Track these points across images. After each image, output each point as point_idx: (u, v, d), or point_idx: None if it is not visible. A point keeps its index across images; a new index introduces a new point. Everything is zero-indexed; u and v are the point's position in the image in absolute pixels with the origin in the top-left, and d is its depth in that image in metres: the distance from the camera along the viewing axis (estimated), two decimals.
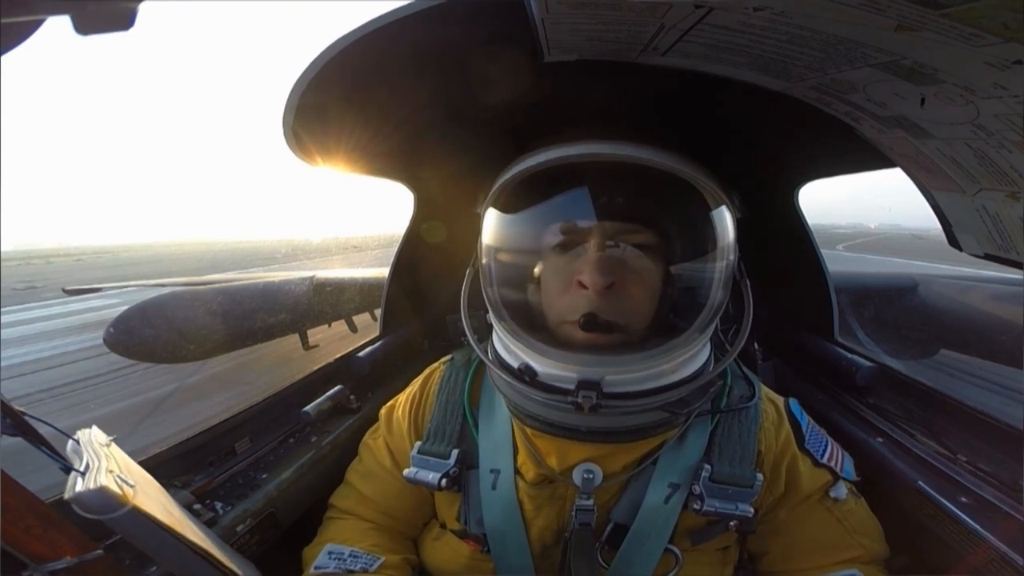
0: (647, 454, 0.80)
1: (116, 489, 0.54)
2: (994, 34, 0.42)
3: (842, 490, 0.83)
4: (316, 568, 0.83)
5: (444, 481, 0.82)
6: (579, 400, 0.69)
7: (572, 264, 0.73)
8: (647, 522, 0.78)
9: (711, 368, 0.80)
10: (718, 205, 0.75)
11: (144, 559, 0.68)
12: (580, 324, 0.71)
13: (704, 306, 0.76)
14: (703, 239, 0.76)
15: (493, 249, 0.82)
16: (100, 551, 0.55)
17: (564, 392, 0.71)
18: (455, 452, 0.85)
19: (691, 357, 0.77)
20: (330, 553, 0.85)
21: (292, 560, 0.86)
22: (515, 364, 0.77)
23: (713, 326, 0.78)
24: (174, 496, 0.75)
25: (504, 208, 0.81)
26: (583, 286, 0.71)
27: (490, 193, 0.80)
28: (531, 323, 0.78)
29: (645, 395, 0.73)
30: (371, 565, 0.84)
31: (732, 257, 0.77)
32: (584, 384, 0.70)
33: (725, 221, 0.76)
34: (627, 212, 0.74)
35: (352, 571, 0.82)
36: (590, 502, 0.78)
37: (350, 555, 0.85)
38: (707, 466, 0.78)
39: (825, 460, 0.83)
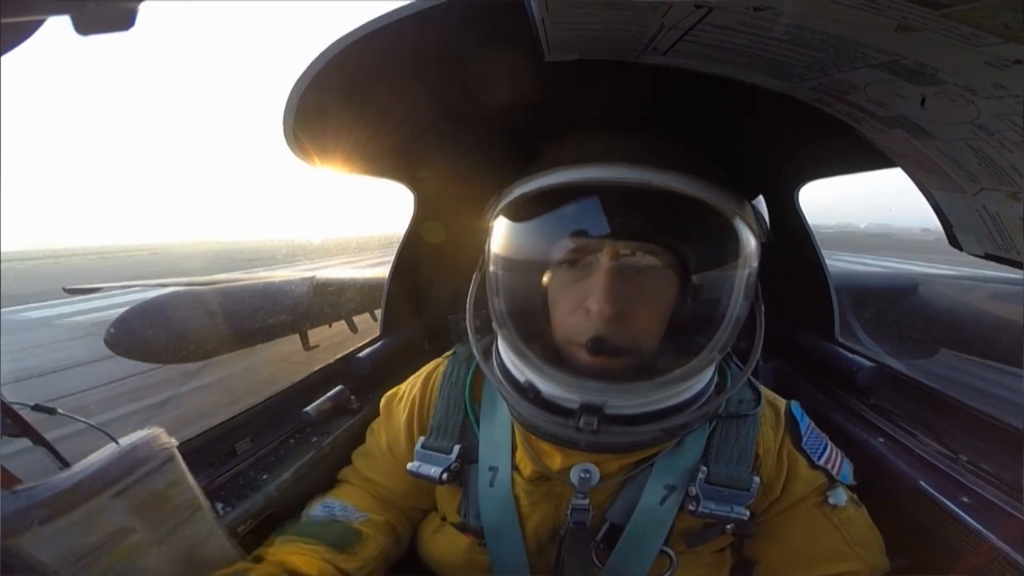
0: (645, 457, 0.80)
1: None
2: (994, 34, 0.42)
3: (841, 497, 0.81)
4: (307, 516, 0.89)
5: (445, 475, 0.83)
6: (580, 425, 0.69)
7: (582, 285, 0.71)
8: (642, 523, 0.78)
9: (715, 385, 0.80)
10: (742, 229, 0.73)
11: None
12: (587, 347, 0.70)
13: (717, 333, 0.73)
14: (723, 265, 0.74)
15: (501, 263, 0.80)
16: None
17: (566, 413, 0.71)
18: (456, 447, 0.85)
19: (697, 380, 0.77)
20: (324, 505, 0.90)
21: None
22: (519, 378, 0.77)
23: (724, 352, 0.76)
24: None
25: (515, 222, 0.79)
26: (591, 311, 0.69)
27: (500, 204, 0.79)
28: (536, 339, 0.77)
29: (648, 420, 0.72)
30: (355, 518, 0.88)
31: (752, 282, 0.75)
32: (586, 408, 0.70)
33: (749, 247, 0.74)
34: (643, 233, 0.71)
35: (335, 518, 0.88)
36: (585, 501, 0.78)
37: (340, 508, 0.90)
38: (704, 468, 0.77)
39: (822, 462, 0.81)
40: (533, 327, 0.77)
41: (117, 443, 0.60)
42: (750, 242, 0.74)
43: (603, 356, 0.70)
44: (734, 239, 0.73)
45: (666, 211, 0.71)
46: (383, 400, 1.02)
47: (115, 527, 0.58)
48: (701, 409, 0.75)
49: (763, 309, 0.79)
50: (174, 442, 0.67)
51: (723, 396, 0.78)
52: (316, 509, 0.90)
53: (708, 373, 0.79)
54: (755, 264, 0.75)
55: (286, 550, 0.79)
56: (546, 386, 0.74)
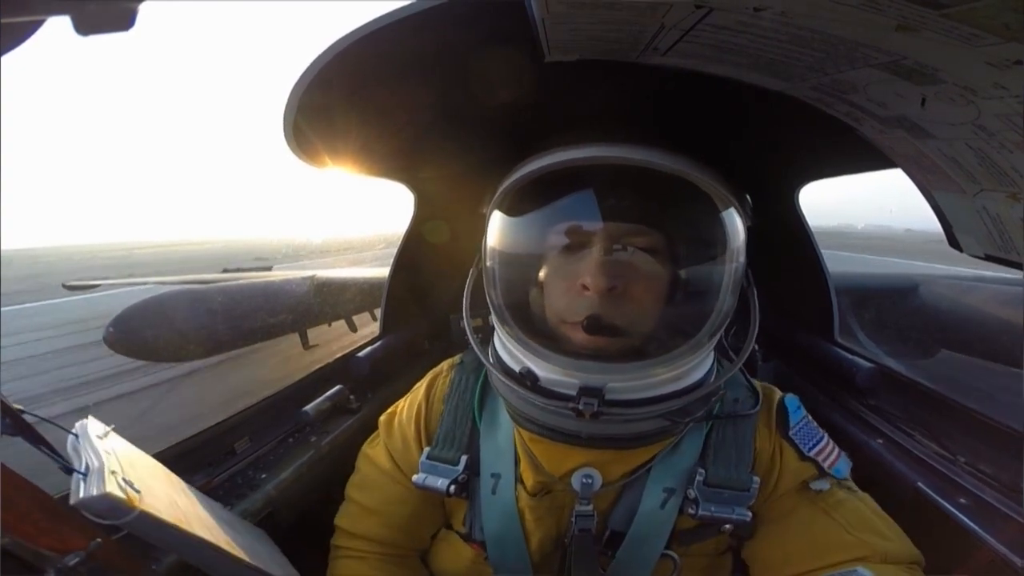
0: (645, 460, 0.79)
1: (121, 495, 0.54)
2: (995, 34, 0.42)
3: (824, 482, 0.77)
4: None
5: (453, 488, 0.81)
6: (580, 407, 0.68)
7: (576, 266, 0.72)
8: (644, 527, 0.77)
9: (714, 376, 0.79)
10: (727, 209, 0.74)
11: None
12: (583, 326, 0.70)
13: (711, 313, 0.74)
14: (712, 244, 0.74)
15: (497, 251, 0.80)
16: (111, 538, 0.55)
17: (565, 398, 0.70)
18: (464, 458, 0.83)
19: (696, 365, 0.76)
20: None
21: (291, 560, 0.86)
22: (516, 368, 0.76)
23: (720, 333, 0.76)
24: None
25: (509, 210, 0.80)
26: (586, 288, 0.69)
27: (496, 195, 0.79)
28: (533, 326, 0.77)
29: (648, 403, 0.72)
30: None
31: (741, 263, 0.75)
32: (586, 390, 0.69)
33: (735, 226, 0.74)
34: (633, 214, 0.72)
35: None
36: (589, 507, 0.77)
37: None
38: (701, 470, 0.77)
39: (812, 454, 0.78)
40: (530, 314, 0.77)
41: (72, 433, 0.61)
42: (736, 221, 0.75)
43: (599, 335, 0.70)
44: (720, 218, 0.74)
45: (653, 193, 0.72)
46: (382, 419, 0.97)
47: None
48: (700, 390, 0.75)
49: (755, 293, 0.80)
50: (109, 428, 0.67)
51: (726, 375, 0.77)
52: None
53: (706, 361, 0.79)
54: (741, 242, 0.75)
55: None
56: (544, 371, 0.73)
